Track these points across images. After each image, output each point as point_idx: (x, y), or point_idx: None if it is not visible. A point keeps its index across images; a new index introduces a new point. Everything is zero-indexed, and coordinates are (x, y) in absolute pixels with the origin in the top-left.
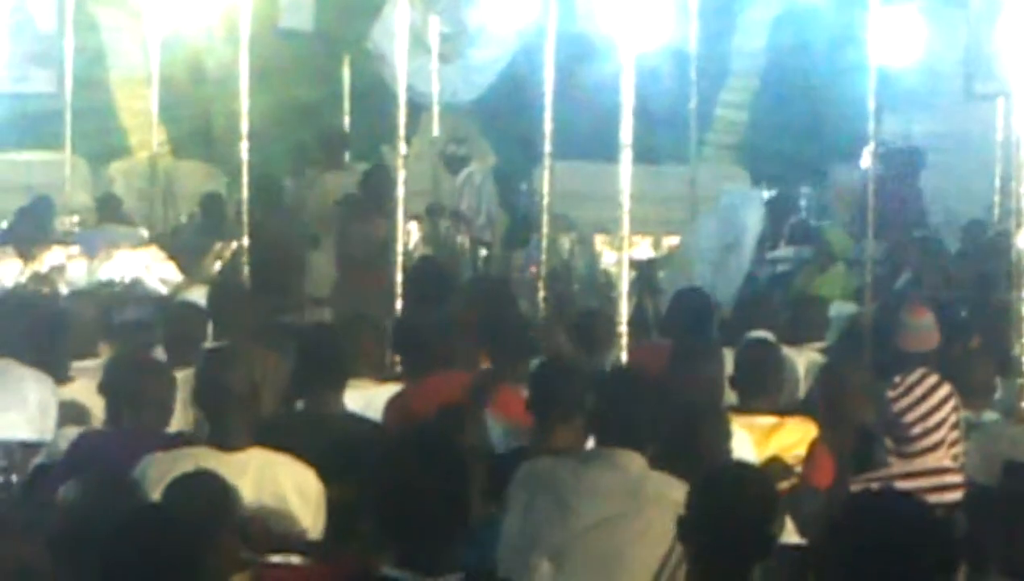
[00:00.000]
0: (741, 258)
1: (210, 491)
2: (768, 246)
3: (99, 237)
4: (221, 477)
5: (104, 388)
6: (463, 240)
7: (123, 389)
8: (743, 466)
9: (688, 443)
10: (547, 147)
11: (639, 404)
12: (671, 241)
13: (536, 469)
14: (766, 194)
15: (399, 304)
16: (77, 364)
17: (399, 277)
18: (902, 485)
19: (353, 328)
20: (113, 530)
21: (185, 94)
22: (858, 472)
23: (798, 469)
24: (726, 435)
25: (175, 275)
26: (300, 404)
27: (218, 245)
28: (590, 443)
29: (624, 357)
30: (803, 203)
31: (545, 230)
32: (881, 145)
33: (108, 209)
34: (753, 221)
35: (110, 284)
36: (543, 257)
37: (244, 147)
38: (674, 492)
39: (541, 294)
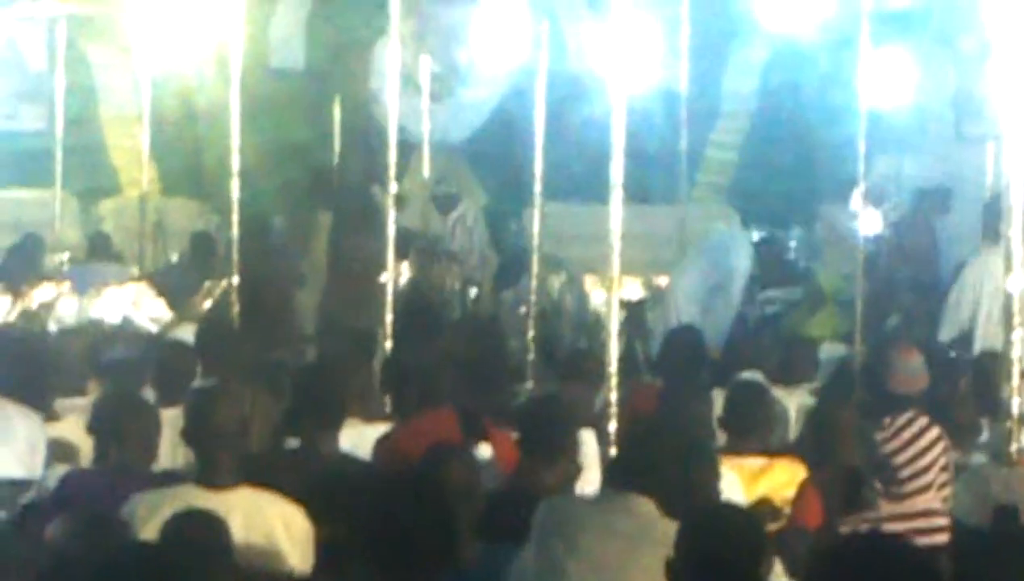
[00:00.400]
0: (729, 299)
1: (205, 530)
2: (758, 287)
3: (89, 274)
4: (216, 516)
5: (92, 427)
6: (452, 280)
7: (110, 428)
8: (731, 507)
9: (678, 484)
10: (537, 187)
11: (655, 452)
12: (661, 281)
13: (552, 509)
14: (756, 235)
15: (388, 343)
16: (65, 402)
17: (388, 316)
18: (891, 527)
19: (343, 367)
20: (101, 568)
21: (176, 132)
22: (847, 514)
23: (787, 510)
24: (716, 476)
25: (164, 313)
26: (294, 442)
27: (208, 283)
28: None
29: (614, 397)
30: (793, 244)
31: (535, 270)
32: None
33: (98, 247)
34: (741, 262)
35: (99, 322)
36: (533, 297)
37: (234, 185)
38: None
39: (531, 334)
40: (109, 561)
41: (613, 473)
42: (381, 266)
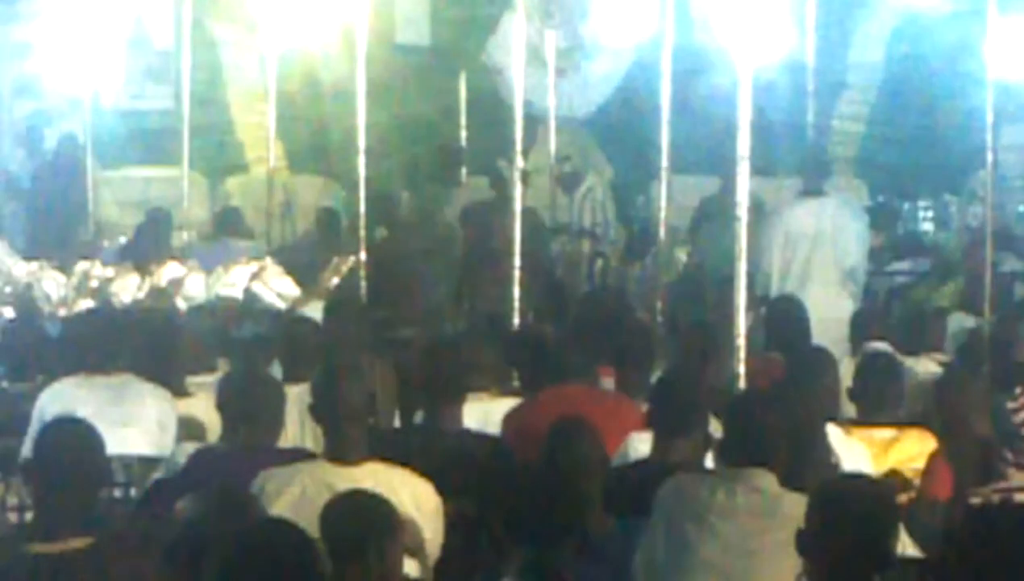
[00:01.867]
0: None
1: (374, 510)
2: (886, 258)
3: (217, 252)
4: (383, 497)
5: (220, 404)
6: (581, 253)
7: (238, 405)
8: (862, 479)
9: (801, 457)
10: (664, 160)
11: (771, 425)
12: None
13: (677, 487)
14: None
15: (516, 318)
16: (195, 379)
17: (516, 291)
18: (1022, 497)
19: (464, 343)
20: (234, 544)
21: (302, 109)
22: (977, 485)
23: (917, 482)
24: (826, 448)
25: (292, 290)
26: (419, 418)
27: (335, 260)
28: (708, 457)
29: (741, 370)
30: (922, 215)
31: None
32: None
33: (227, 223)
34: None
35: (227, 299)
36: (660, 270)
37: (361, 161)
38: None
39: (659, 307)
40: (242, 538)
41: (726, 448)
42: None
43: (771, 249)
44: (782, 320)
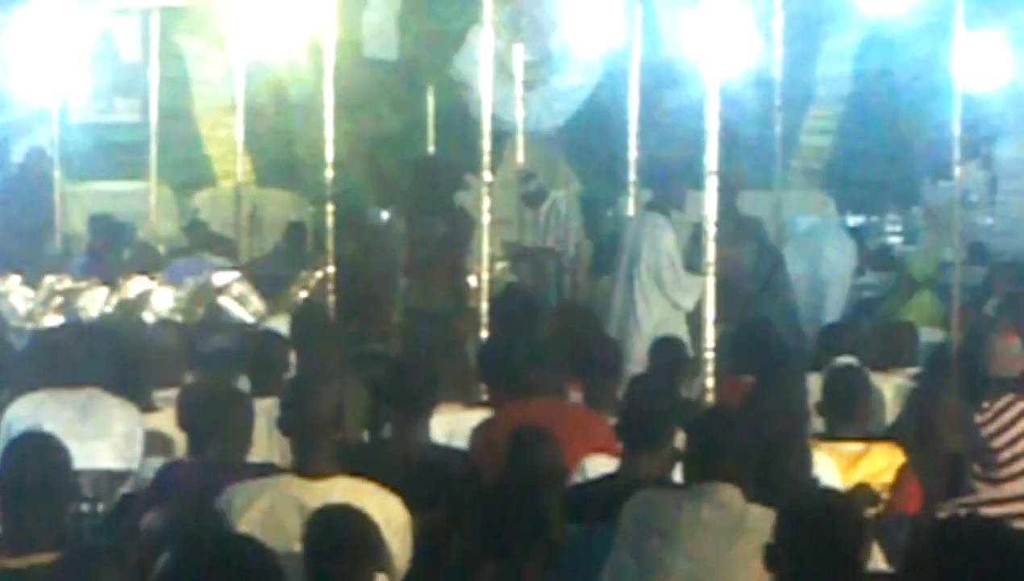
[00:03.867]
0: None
1: (358, 527)
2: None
3: (184, 265)
4: (362, 512)
5: (183, 418)
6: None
7: (203, 419)
8: (830, 492)
9: (771, 474)
10: (632, 174)
11: (731, 441)
12: None
13: (643, 503)
14: (852, 221)
15: (484, 332)
16: (162, 393)
17: (484, 305)
18: (990, 511)
19: (429, 356)
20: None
21: (269, 123)
22: (946, 498)
23: (885, 496)
24: (808, 463)
25: (260, 304)
26: (386, 432)
27: (302, 274)
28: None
29: (710, 383)
30: (888, 229)
31: None
32: None
33: (195, 236)
34: (835, 254)
35: (194, 313)
36: None
37: (328, 175)
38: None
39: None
40: (207, 552)
41: (690, 464)
42: (456, 252)
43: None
44: (754, 343)
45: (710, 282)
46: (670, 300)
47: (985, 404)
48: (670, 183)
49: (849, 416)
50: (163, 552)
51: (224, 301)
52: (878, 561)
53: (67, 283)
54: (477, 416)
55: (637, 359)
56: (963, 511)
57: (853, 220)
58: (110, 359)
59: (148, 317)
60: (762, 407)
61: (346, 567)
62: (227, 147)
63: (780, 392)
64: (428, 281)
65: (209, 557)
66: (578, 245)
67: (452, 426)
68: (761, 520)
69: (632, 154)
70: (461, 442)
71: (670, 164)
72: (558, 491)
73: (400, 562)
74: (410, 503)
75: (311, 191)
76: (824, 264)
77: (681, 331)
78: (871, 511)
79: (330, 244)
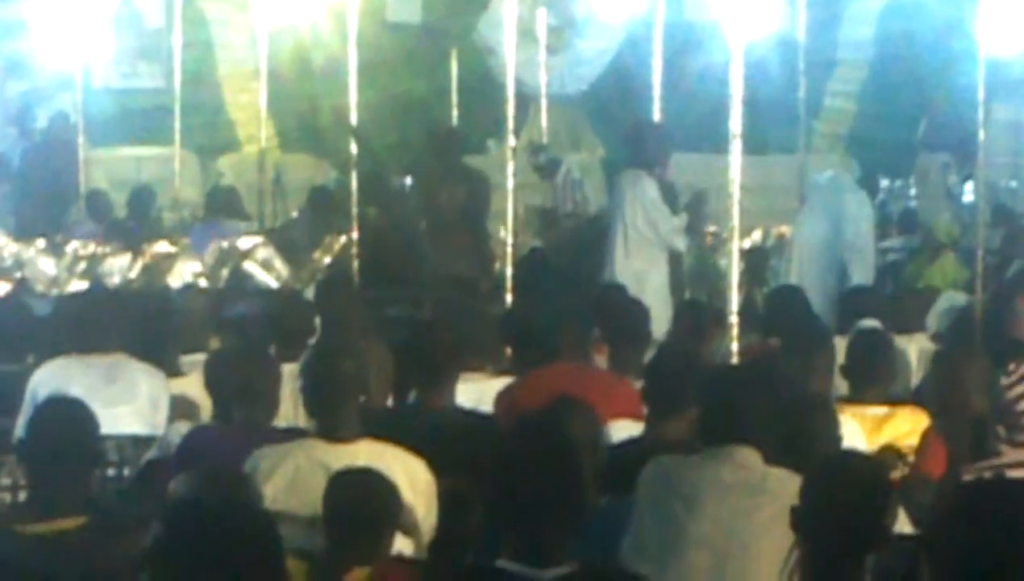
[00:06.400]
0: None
1: (380, 490)
2: (878, 235)
3: (210, 231)
4: (380, 473)
5: (210, 383)
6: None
7: (230, 383)
8: (856, 455)
9: (798, 437)
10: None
11: (750, 402)
12: (780, 231)
13: (661, 468)
14: (883, 183)
15: (508, 297)
16: (188, 358)
17: (508, 269)
18: (1015, 473)
19: (454, 321)
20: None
21: (293, 88)
22: (971, 461)
23: (910, 458)
24: (835, 427)
25: (284, 269)
26: (412, 397)
27: (327, 239)
28: None
29: (734, 347)
30: (912, 192)
31: None
32: None
33: (219, 202)
34: (851, 205)
35: (219, 277)
36: None
37: (352, 141)
38: (794, 487)
39: None
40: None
41: (705, 426)
42: (473, 216)
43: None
44: (782, 307)
45: (735, 245)
46: (666, 244)
47: (1010, 366)
48: (648, 142)
49: (873, 379)
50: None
51: (249, 266)
52: (903, 524)
53: (91, 248)
54: (503, 383)
55: None
56: (988, 473)
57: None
58: (135, 325)
59: (173, 282)
60: (784, 369)
61: (364, 528)
62: (251, 112)
63: (803, 355)
64: (448, 245)
65: (200, 525)
66: (601, 209)
67: (479, 394)
68: (782, 483)
69: (656, 118)
70: (487, 410)
71: (651, 124)
72: (594, 460)
73: (426, 525)
74: (435, 468)
75: (335, 156)
76: (847, 222)
77: (663, 283)
78: (896, 474)
79: (354, 209)
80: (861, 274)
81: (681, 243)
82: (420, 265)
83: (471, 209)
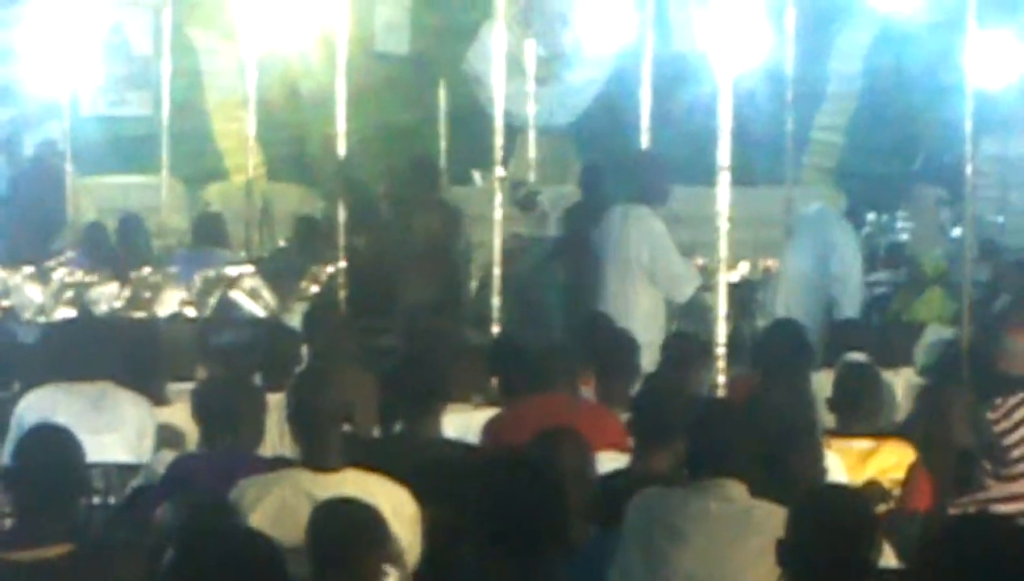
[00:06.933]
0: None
1: (363, 518)
2: (865, 269)
3: (196, 259)
4: (365, 503)
5: (197, 411)
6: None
7: (216, 412)
8: (842, 488)
9: (782, 469)
10: None
11: (736, 435)
12: (767, 264)
13: (648, 500)
14: (870, 217)
15: (495, 327)
16: (174, 387)
17: (496, 299)
18: (1001, 508)
19: (450, 351)
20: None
21: (281, 117)
22: (957, 495)
23: (896, 492)
24: (820, 461)
25: (271, 298)
26: (398, 427)
27: (314, 268)
28: None
29: (721, 380)
30: (899, 225)
31: None
32: None
33: (206, 230)
34: (838, 235)
35: (206, 307)
36: None
37: (340, 171)
38: (780, 520)
39: None
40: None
41: (692, 460)
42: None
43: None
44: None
45: (723, 277)
46: (665, 293)
47: (997, 401)
48: (656, 176)
49: (860, 412)
50: (173, 545)
51: (235, 295)
52: (889, 558)
53: (78, 276)
54: (489, 415)
55: None
56: (974, 508)
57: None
58: (122, 353)
59: (160, 310)
60: (768, 403)
61: (348, 557)
62: (238, 141)
63: (787, 388)
64: (418, 274)
65: (213, 552)
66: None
67: (465, 425)
68: (767, 516)
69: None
70: (474, 439)
71: (654, 157)
72: (583, 490)
73: (411, 555)
74: (421, 498)
75: (322, 185)
76: (833, 255)
77: (661, 325)
78: (882, 508)
79: (341, 239)
80: (847, 307)
81: (688, 292)
82: (405, 295)
83: (444, 239)
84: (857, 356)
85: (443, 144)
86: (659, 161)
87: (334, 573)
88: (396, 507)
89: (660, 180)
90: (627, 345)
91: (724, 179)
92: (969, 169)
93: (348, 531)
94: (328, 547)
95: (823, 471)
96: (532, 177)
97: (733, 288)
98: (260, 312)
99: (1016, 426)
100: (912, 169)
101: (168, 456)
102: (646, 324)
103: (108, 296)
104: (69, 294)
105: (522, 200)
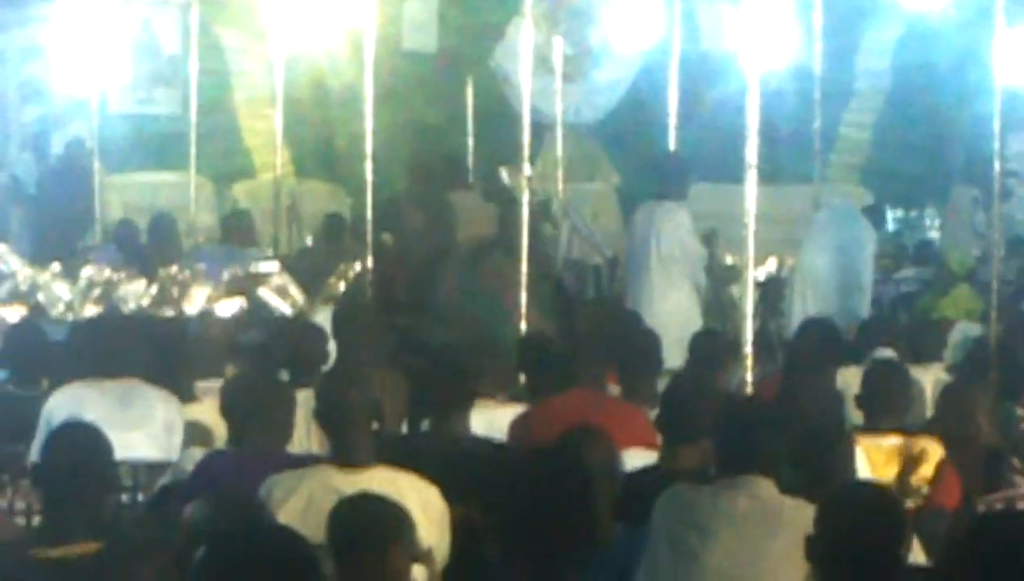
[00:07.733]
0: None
1: (383, 513)
2: (892, 266)
3: (224, 256)
4: (392, 500)
5: (226, 409)
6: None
7: (245, 409)
8: (871, 485)
9: (814, 467)
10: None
11: (766, 432)
12: (794, 261)
13: (676, 497)
14: (892, 214)
15: (523, 324)
16: (203, 384)
17: (523, 297)
18: None
19: (479, 348)
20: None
21: (309, 115)
22: (985, 492)
23: (924, 489)
24: (850, 458)
25: (299, 296)
26: (425, 424)
27: (342, 266)
28: None
29: (748, 377)
30: (927, 223)
31: None
32: None
33: (233, 228)
34: (859, 232)
35: (235, 304)
36: None
37: (368, 167)
38: (809, 517)
39: None
40: (244, 544)
41: (721, 457)
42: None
43: (627, 252)
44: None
45: (751, 275)
46: (696, 277)
47: None
48: (680, 174)
49: (888, 410)
50: (203, 543)
51: (263, 292)
52: (917, 554)
53: (106, 274)
54: (516, 411)
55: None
56: (1002, 505)
57: (892, 214)
58: (150, 350)
59: (188, 308)
60: (796, 401)
61: (366, 551)
62: (266, 139)
63: (816, 386)
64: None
65: (246, 549)
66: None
67: (491, 421)
68: (797, 513)
69: (671, 147)
70: (500, 437)
71: (679, 155)
72: (610, 489)
73: (439, 553)
74: (449, 496)
75: (350, 183)
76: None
77: (696, 318)
78: (910, 504)
79: (369, 236)
80: (858, 305)
81: (703, 278)
82: (433, 292)
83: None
84: (886, 353)
85: (470, 141)
86: (682, 158)
87: (352, 567)
88: (425, 504)
89: (685, 177)
90: (651, 341)
91: (752, 177)
92: (997, 166)
93: (366, 525)
94: (345, 541)
95: (853, 468)
96: (559, 175)
97: (760, 285)
98: (288, 309)
99: None
100: (942, 167)
101: (196, 453)
102: (679, 320)
103: (136, 294)
104: (97, 291)
105: (539, 206)
